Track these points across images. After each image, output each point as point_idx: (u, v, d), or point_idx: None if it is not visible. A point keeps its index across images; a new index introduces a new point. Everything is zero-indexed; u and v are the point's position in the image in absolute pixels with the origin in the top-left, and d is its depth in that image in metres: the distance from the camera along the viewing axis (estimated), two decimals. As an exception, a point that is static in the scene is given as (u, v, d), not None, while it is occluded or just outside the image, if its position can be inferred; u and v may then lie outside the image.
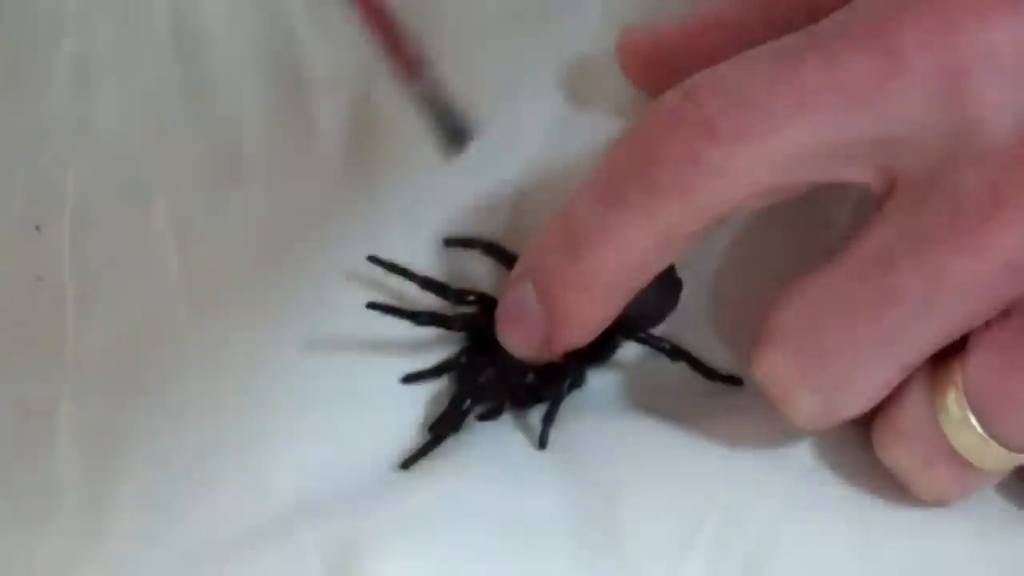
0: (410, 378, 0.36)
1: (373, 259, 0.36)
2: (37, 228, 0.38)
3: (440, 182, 0.38)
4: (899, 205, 0.31)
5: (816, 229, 0.37)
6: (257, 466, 0.35)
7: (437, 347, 0.37)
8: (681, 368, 0.36)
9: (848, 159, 0.31)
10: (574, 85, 0.39)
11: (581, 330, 0.34)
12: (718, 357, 0.36)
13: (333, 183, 0.38)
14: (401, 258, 0.36)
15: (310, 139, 0.39)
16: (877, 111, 0.30)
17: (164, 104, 0.40)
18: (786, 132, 0.30)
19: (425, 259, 0.37)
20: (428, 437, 0.35)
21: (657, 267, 0.33)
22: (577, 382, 0.36)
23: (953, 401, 0.31)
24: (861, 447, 0.34)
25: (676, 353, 0.36)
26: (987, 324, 0.31)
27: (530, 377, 0.35)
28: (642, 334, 0.36)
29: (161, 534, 0.34)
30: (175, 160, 0.39)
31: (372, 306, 0.35)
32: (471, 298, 0.36)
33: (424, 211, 0.38)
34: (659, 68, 0.37)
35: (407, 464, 0.35)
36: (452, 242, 0.38)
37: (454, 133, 0.31)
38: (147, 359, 0.36)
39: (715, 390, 0.36)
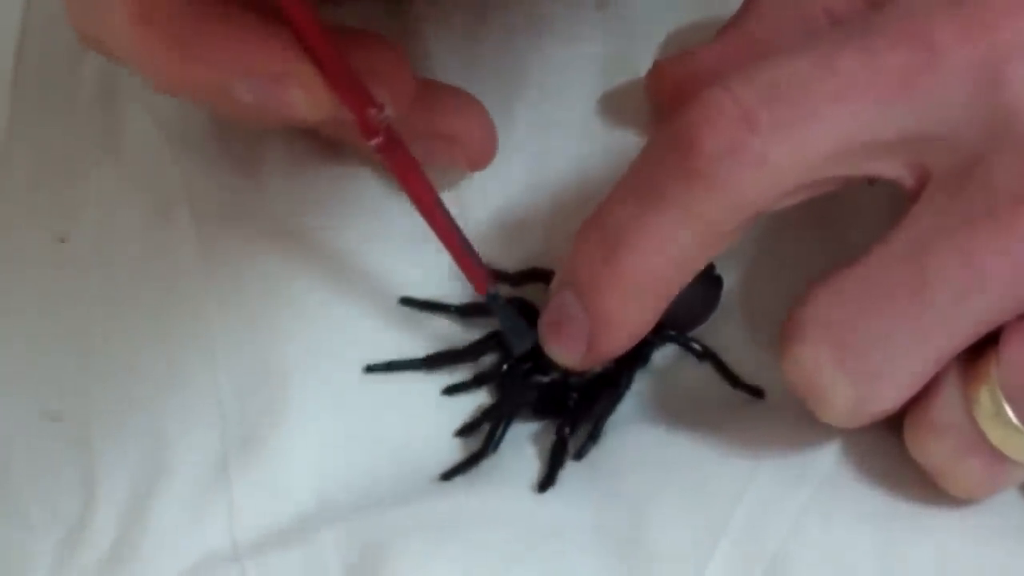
0: (451, 390, 0.36)
1: (406, 301, 0.37)
2: (62, 241, 0.38)
3: (471, 203, 0.39)
4: (932, 197, 0.31)
5: (834, 246, 0.37)
6: (278, 469, 0.35)
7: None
8: (704, 376, 0.36)
9: (883, 152, 0.31)
10: (607, 114, 0.40)
11: (624, 333, 0.34)
12: (743, 369, 0.36)
13: (360, 198, 0.39)
14: (430, 279, 0.37)
15: (334, 152, 0.39)
16: (914, 103, 0.30)
17: (185, 116, 0.40)
18: (825, 123, 0.31)
19: (451, 283, 0.37)
20: (459, 444, 0.36)
21: (697, 266, 0.33)
22: (622, 392, 0.36)
23: (987, 394, 0.31)
24: (882, 454, 0.34)
25: (705, 355, 0.36)
26: (1021, 316, 0.31)
27: (574, 381, 0.35)
28: (672, 333, 0.36)
29: (186, 536, 0.34)
30: (197, 169, 0.39)
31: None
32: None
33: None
34: (690, 91, 0.36)
35: (449, 476, 0.35)
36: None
37: (516, 337, 0.36)
38: (173, 362, 0.36)
39: (738, 398, 0.36)
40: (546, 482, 0.35)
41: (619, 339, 0.34)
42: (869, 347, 0.31)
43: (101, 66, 0.41)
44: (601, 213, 0.33)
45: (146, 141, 0.40)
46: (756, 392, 0.36)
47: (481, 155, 0.38)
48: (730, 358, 0.36)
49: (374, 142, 0.32)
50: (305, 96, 0.32)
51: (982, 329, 0.31)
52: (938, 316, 0.31)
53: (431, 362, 0.36)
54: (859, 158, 0.31)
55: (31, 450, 0.36)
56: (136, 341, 0.37)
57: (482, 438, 0.35)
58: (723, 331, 0.37)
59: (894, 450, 0.33)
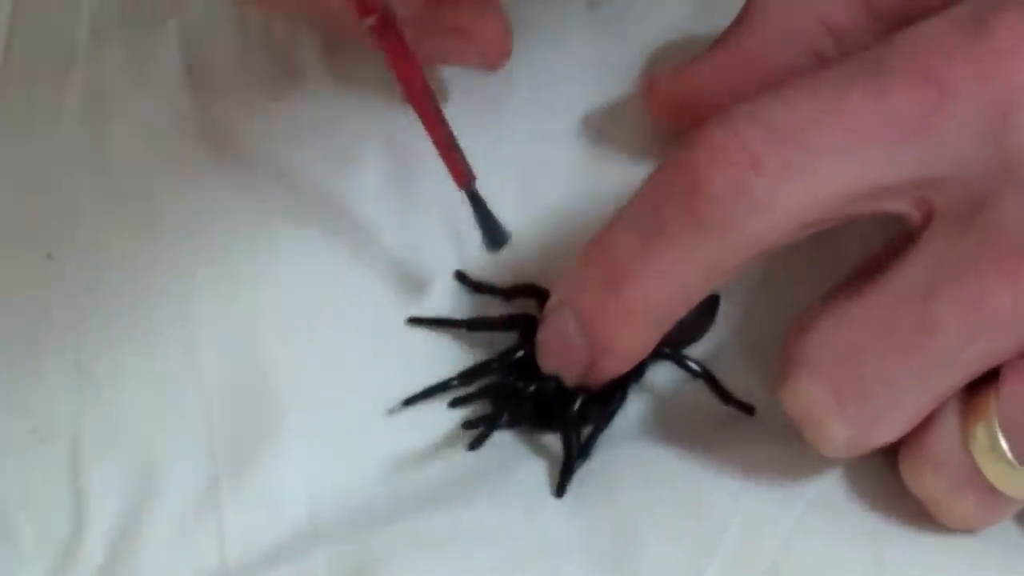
0: (457, 402, 0.36)
1: (414, 320, 0.37)
2: (49, 256, 0.38)
3: (464, 216, 0.38)
4: (938, 235, 0.31)
5: (825, 256, 0.37)
6: (269, 488, 0.35)
7: (445, 366, 0.37)
8: (697, 392, 0.36)
9: (891, 192, 0.31)
10: (598, 125, 0.39)
11: (624, 359, 0.34)
12: (736, 386, 0.36)
13: (355, 214, 0.38)
14: (424, 298, 0.37)
15: (329, 167, 0.39)
16: (924, 145, 0.30)
17: (174, 133, 0.40)
18: (833, 168, 0.30)
19: (468, 301, 0.38)
20: (451, 460, 0.36)
21: (699, 297, 0.33)
22: (616, 409, 0.36)
23: (984, 430, 0.31)
24: (874, 472, 0.34)
25: (699, 373, 0.36)
26: (1021, 355, 0.31)
27: (579, 401, 0.35)
28: (667, 350, 0.36)
29: (177, 556, 0.34)
30: (186, 187, 0.39)
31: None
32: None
33: (451, 249, 0.38)
34: (686, 106, 0.37)
35: (468, 425, 0.35)
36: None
37: (491, 236, 0.36)
38: (162, 382, 0.36)
39: (729, 415, 0.36)
40: (561, 488, 0.35)
41: (618, 364, 0.34)
42: (870, 386, 0.31)
43: (89, 78, 0.41)
44: (604, 242, 0.33)
45: (134, 155, 0.39)
46: (747, 409, 0.36)
47: (496, 52, 0.38)
48: (723, 375, 0.36)
49: (369, 21, 0.32)
50: None
51: (985, 367, 0.31)
52: (942, 358, 0.31)
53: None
54: (866, 199, 0.31)
55: (21, 471, 0.35)
56: (125, 360, 0.37)
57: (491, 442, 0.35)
58: (716, 348, 0.37)
59: (886, 468, 0.33)
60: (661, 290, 0.32)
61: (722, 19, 0.38)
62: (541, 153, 0.39)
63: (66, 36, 0.41)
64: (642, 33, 0.41)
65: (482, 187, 0.38)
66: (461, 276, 0.38)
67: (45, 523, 0.35)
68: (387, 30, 0.33)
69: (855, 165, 0.30)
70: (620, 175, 0.38)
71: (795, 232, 0.31)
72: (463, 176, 0.35)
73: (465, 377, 0.36)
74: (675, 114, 0.37)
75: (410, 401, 0.36)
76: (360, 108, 0.40)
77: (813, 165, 0.30)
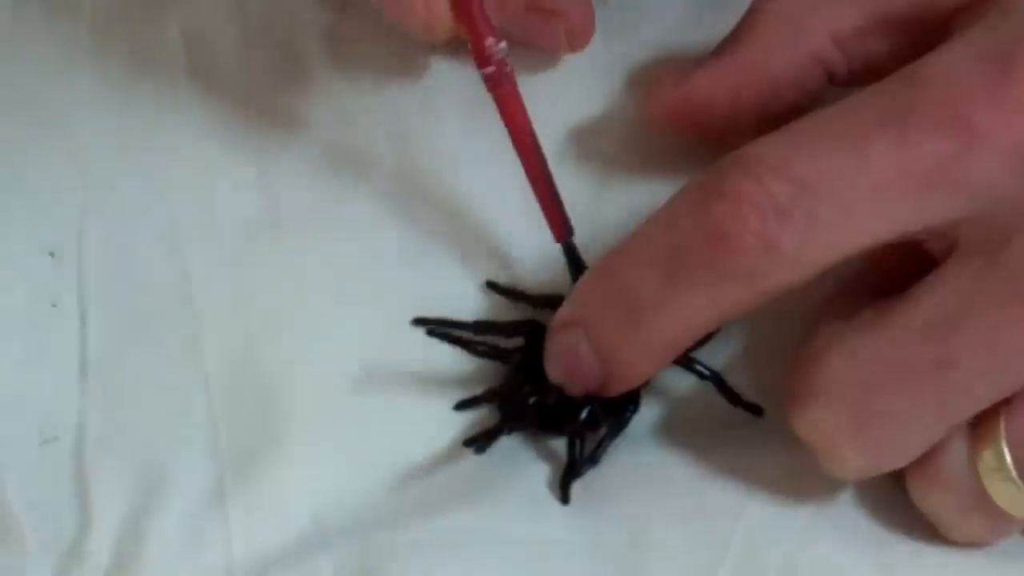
0: (462, 404, 0.36)
1: (419, 320, 0.37)
2: (52, 254, 0.38)
3: (482, 231, 0.38)
4: (960, 268, 0.31)
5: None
6: (275, 492, 0.35)
7: (450, 368, 0.37)
8: (703, 397, 0.36)
9: (915, 232, 0.31)
10: (604, 125, 0.39)
11: (634, 382, 0.34)
12: (743, 388, 0.36)
13: (360, 216, 0.38)
14: (429, 300, 0.37)
15: (336, 168, 0.39)
16: (951, 191, 0.30)
17: (177, 129, 0.39)
18: (859, 219, 0.30)
19: (473, 303, 0.37)
20: (456, 465, 0.36)
21: (713, 327, 0.33)
22: (630, 418, 0.36)
23: (993, 454, 0.31)
24: (881, 480, 0.33)
25: (707, 375, 0.36)
26: None
27: (586, 411, 0.35)
28: None
29: (182, 560, 0.34)
30: (188, 183, 0.39)
31: (417, 321, 0.36)
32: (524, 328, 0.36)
33: (458, 246, 0.38)
34: (688, 116, 0.37)
35: (470, 443, 0.35)
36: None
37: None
38: (167, 385, 0.36)
39: (736, 420, 0.36)
40: (564, 496, 0.35)
41: (627, 385, 0.34)
42: (886, 417, 0.31)
43: (90, 73, 0.40)
44: (620, 271, 0.33)
45: (137, 152, 0.39)
46: (756, 410, 0.36)
47: (580, 31, 0.38)
48: (731, 378, 0.36)
49: (486, 71, 0.34)
50: (424, 14, 0.33)
51: (998, 398, 0.31)
52: (959, 391, 0.31)
53: (477, 328, 0.37)
54: (890, 241, 0.31)
55: (26, 472, 0.35)
56: (130, 361, 0.36)
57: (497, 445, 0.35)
58: (723, 350, 0.36)
59: (893, 473, 0.33)
60: (680, 328, 0.33)
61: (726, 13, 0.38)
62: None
63: (68, 31, 0.41)
64: (650, 31, 0.40)
65: (484, 186, 0.38)
66: (492, 285, 0.37)
67: (50, 524, 0.35)
68: (502, 82, 0.34)
69: (881, 214, 0.30)
70: (623, 177, 0.38)
71: (820, 273, 0.31)
72: (561, 228, 0.36)
73: (478, 327, 0.37)
74: (676, 123, 0.37)
75: (419, 322, 0.36)
76: (365, 101, 0.40)
77: (840, 217, 0.30)
